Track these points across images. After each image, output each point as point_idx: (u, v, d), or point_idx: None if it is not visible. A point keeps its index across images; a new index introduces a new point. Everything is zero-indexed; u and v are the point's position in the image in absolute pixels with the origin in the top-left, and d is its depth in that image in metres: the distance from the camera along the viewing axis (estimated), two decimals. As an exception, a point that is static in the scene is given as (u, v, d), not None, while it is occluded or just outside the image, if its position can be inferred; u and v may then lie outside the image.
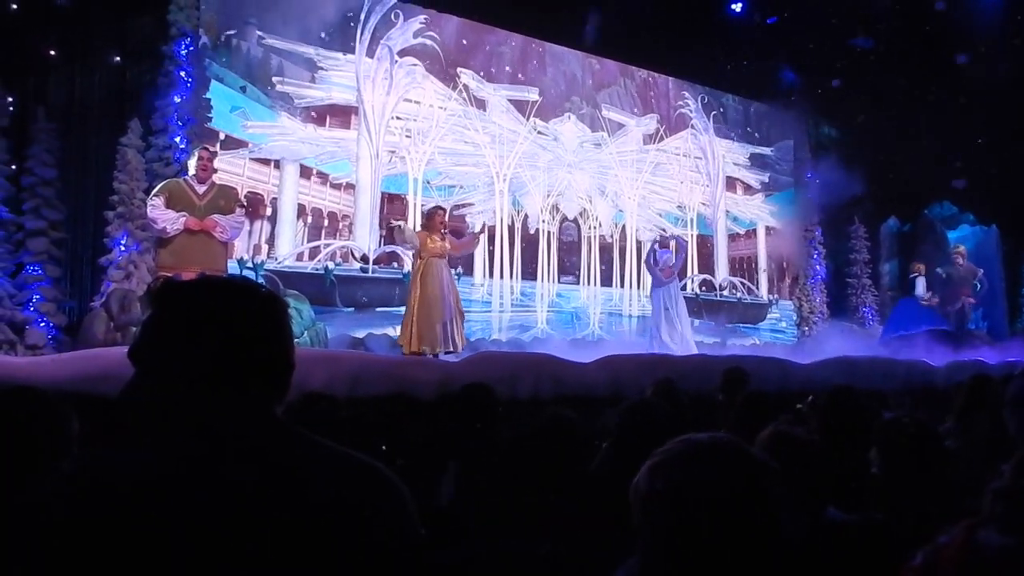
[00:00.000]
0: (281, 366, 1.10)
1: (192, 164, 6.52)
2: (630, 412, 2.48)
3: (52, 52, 8.43)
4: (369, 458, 1.06)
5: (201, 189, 6.39)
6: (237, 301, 1.10)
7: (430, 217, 7.68)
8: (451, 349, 7.28)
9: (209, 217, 6.28)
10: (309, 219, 9.62)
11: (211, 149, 7.07)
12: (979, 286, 13.23)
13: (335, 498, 0.97)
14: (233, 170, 9.09)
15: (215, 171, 6.70)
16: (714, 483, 1.06)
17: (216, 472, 0.96)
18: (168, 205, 6.19)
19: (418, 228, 8.12)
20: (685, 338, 9.50)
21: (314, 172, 9.71)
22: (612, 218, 12.60)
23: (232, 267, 8.56)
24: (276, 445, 1.02)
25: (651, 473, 1.12)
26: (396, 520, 1.01)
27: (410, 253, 7.98)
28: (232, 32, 9.34)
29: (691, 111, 13.91)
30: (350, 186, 10.03)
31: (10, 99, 8.14)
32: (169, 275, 5.92)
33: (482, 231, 8.40)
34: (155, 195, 6.34)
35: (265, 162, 9.40)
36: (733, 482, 1.07)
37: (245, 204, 6.66)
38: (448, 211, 8.77)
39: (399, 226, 7.73)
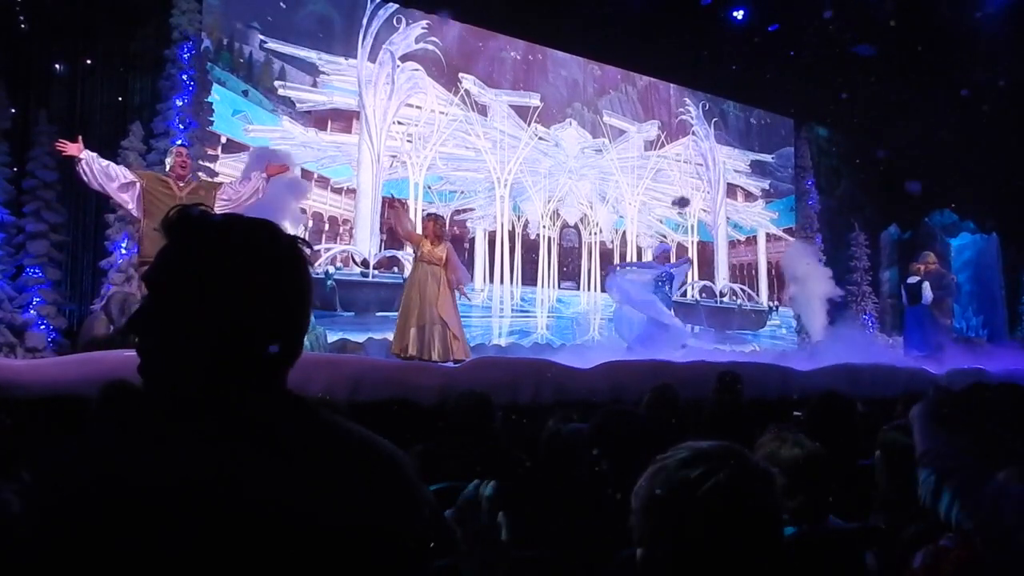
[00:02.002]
0: (298, 323, 1.02)
1: (169, 163, 6.38)
2: (604, 420, 2.48)
3: (56, 62, 8.45)
4: (379, 437, 1.00)
5: (181, 185, 6.23)
6: (262, 240, 1.00)
7: (424, 224, 7.75)
8: (428, 358, 7.10)
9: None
10: (310, 223, 9.62)
11: (187, 147, 7.03)
12: (953, 288, 13.21)
13: (347, 472, 0.93)
14: (235, 174, 9.09)
15: (221, 173, 6.59)
16: (714, 489, 1.06)
17: (225, 449, 0.91)
18: (143, 192, 6.01)
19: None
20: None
21: (315, 176, 9.72)
22: (613, 224, 12.60)
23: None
24: (288, 420, 0.96)
25: (652, 478, 1.12)
26: (408, 494, 0.97)
27: (411, 257, 7.98)
28: (234, 36, 9.36)
29: (692, 118, 13.93)
30: (351, 190, 10.04)
31: (11, 103, 8.15)
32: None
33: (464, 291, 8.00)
34: (132, 172, 6.25)
35: (266, 166, 9.39)
36: (733, 489, 1.06)
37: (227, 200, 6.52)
38: (447, 219, 8.85)
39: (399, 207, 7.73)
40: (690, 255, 13.02)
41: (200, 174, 8.19)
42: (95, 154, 6.09)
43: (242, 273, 0.97)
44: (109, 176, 6.05)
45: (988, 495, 1.45)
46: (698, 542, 1.05)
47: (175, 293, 0.97)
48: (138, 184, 6.06)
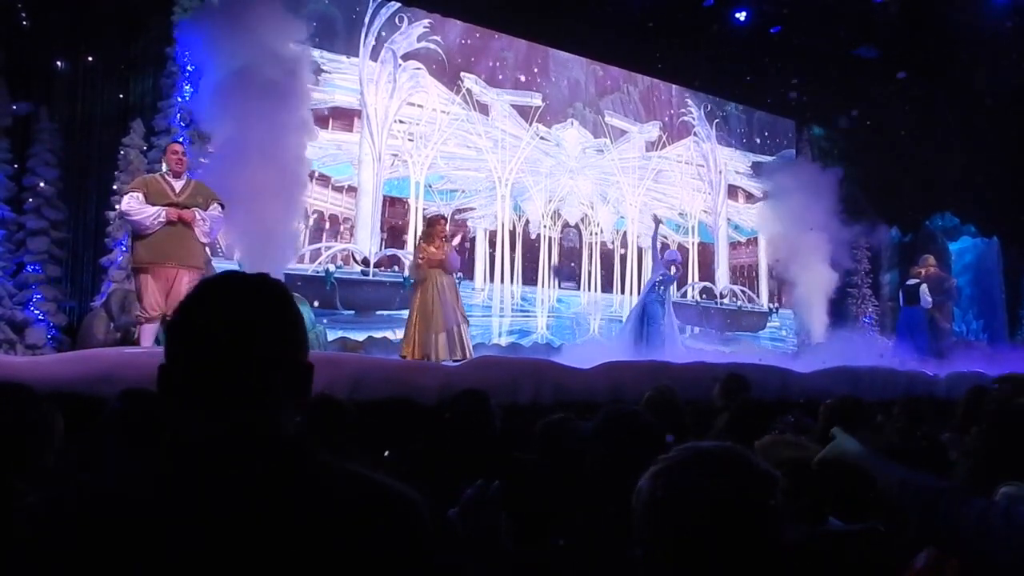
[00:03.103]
0: (299, 367, 1.04)
1: (166, 161, 6.28)
2: (606, 421, 2.47)
3: (57, 59, 8.45)
4: (386, 479, 1.01)
5: (178, 185, 6.09)
6: (245, 298, 1.02)
7: (431, 225, 7.71)
8: (460, 357, 7.22)
9: (190, 209, 6.00)
10: (311, 221, 9.62)
11: (183, 144, 6.92)
12: (954, 292, 13.18)
13: (349, 525, 0.94)
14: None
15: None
16: (716, 491, 1.05)
17: (223, 502, 0.91)
18: (145, 200, 5.89)
19: (419, 237, 8.21)
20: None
21: (316, 174, 9.70)
22: (613, 224, 12.60)
23: (233, 267, 8.56)
24: (285, 471, 0.96)
25: (654, 479, 1.11)
26: (416, 544, 0.97)
27: (410, 256, 7.99)
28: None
29: (694, 119, 13.93)
30: (352, 189, 10.03)
31: (12, 100, 8.15)
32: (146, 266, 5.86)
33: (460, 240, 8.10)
34: (132, 189, 6.05)
35: (267, 164, 9.38)
36: (735, 490, 1.06)
37: (223, 203, 6.37)
38: (448, 218, 8.89)
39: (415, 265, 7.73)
40: (686, 255, 13.00)
41: (201, 171, 8.18)
42: (137, 207, 5.94)
43: (252, 326, 1.00)
44: (145, 215, 5.94)
45: (971, 516, 1.47)
46: (700, 543, 1.04)
47: (192, 350, 1.00)
48: (140, 194, 5.98)
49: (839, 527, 2.18)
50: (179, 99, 8.43)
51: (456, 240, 7.88)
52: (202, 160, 8.26)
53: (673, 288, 10.16)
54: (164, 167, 6.31)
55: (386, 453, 3.19)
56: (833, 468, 2.20)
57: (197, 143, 8.32)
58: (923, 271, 11.60)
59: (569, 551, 1.84)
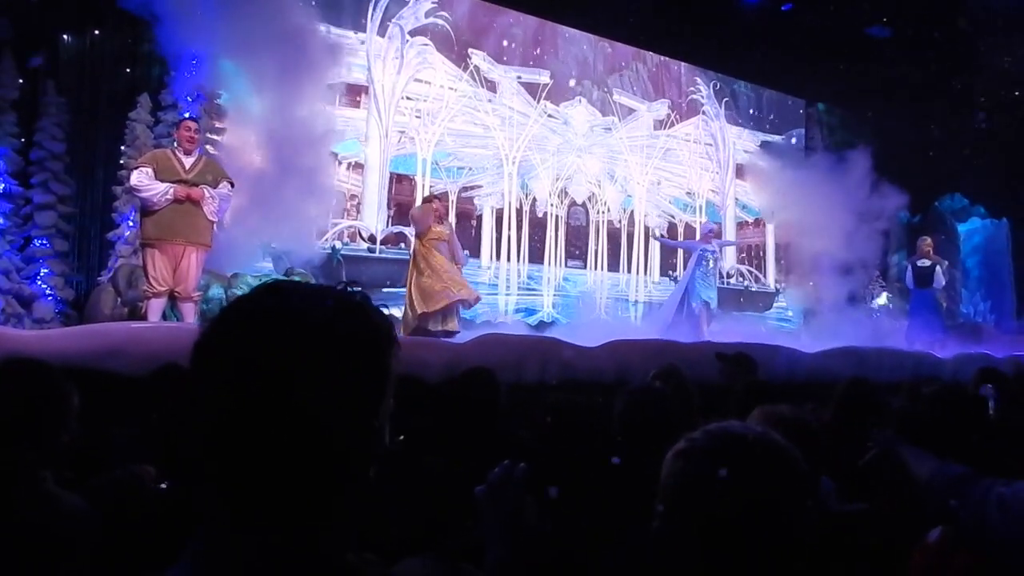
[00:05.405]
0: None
1: (177, 136, 6.24)
2: (633, 399, 2.47)
3: (64, 33, 8.41)
4: None
5: (188, 162, 6.08)
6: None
7: (426, 202, 7.79)
8: (448, 329, 7.29)
9: (199, 187, 6.01)
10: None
11: (196, 119, 6.89)
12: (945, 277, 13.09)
13: None
14: (242, 146, 9.03)
15: (229, 146, 6.48)
16: (748, 475, 1.05)
17: None
18: (155, 176, 5.89)
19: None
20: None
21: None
22: (621, 203, 12.55)
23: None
24: None
25: (685, 459, 1.10)
26: None
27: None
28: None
29: (703, 97, 13.82)
30: (359, 166, 10.00)
31: (20, 73, 8.12)
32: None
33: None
34: (141, 164, 6.04)
35: (274, 140, 9.34)
36: (767, 476, 1.06)
37: (233, 181, 6.37)
38: (453, 195, 8.87)
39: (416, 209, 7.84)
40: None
41: (208, 147, 8.16)
42: (146, 183, 5.93)
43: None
44: (153, 191, 5.92)
45: (993, 503, 1.47)
46: (727, 524, 1.04)
47: None
48: (150, 169, 5.96)
49: (844, 507, 2.18)
50: (186, 74, 8.38)
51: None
52: (210, 136, 8.25)
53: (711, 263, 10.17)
54: (175, 142, 6.29)
55: (400, 437, 3.19)
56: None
57: (204, 118, 8.29)
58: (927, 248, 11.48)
59: (588, 529, 1.84)
